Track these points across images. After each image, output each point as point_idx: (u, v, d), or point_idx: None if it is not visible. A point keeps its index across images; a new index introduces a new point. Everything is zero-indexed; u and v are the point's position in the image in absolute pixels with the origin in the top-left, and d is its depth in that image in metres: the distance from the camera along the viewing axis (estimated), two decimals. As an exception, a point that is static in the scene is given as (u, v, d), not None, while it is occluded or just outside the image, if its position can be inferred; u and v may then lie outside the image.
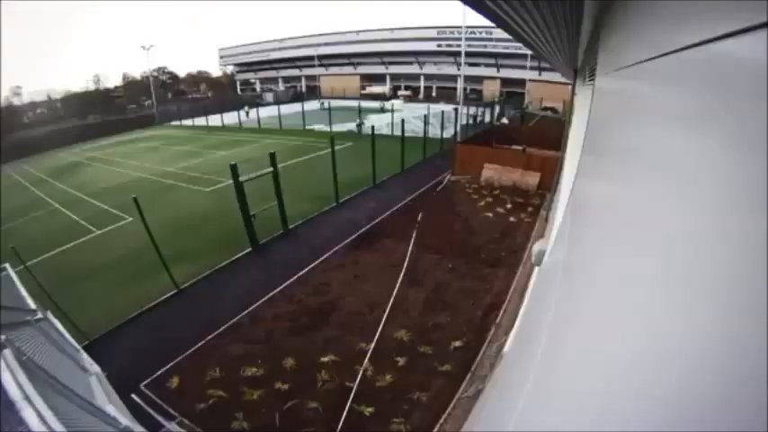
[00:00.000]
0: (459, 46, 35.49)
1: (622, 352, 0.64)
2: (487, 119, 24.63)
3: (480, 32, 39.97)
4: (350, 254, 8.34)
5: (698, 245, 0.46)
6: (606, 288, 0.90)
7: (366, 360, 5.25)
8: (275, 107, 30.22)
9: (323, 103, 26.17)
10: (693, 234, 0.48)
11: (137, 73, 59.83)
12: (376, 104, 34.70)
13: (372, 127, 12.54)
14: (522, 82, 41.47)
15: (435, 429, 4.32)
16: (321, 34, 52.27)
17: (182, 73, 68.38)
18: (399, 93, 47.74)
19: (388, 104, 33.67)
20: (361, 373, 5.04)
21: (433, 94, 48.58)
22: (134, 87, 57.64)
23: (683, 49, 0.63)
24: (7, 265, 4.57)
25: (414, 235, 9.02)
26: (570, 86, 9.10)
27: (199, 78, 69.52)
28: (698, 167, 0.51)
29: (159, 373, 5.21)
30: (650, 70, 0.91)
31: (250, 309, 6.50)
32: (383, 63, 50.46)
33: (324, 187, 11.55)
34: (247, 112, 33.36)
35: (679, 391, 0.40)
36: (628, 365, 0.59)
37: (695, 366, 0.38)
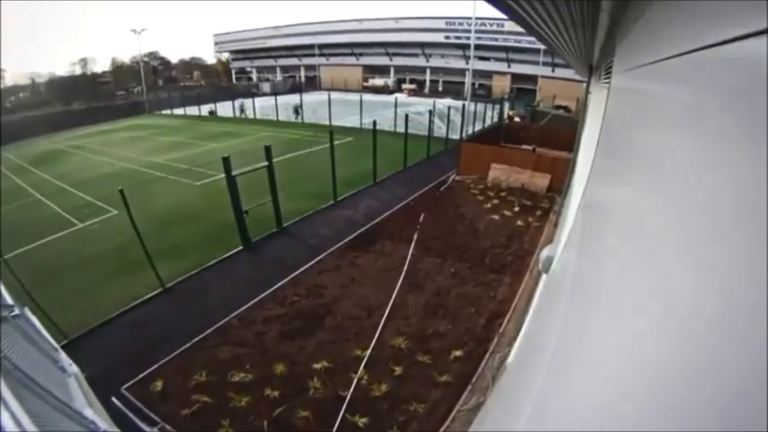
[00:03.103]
0: (468, 38, 35.48)
1: (635, 364, 0.64)
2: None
3: (491, 25, 39.96)
4: (347, 255, 8.34)
5: (715, 253, 0.46)
6: (618, 297, 0.91)
7: (361, 368, 5.26)
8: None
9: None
10: (710, 242, 0.48)
11: (126, 58, 59.91)
12: (378, 98, 34.69)
13: (374, 122, 12.54)
14: (533, 78, 41.50)
15: (432, 443, 4.32)
16: (322, 22, 52.26)
17: (174, 59, 68.60)
18: (404, 86, 47.76)
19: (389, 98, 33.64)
20: (355, 381, 5.05)
21: (440, 88, 48.57)
22: (123, 73, 57.62)
23: (703, 48, 0.63)
24: (-16, 258, 4.57)
25: (415, 237, 9.03)
26: (584, 84, 9.11)
27: (192, 65, 69.54)
28: (716, 173, 0.51)
29: (142, 375, 5.21)
30: (669, 70, 0.91)
31: (240, 310, 6.50)
32: (387, 54, 50.45)
33: (321, 184, 11.55)
34: (242, 109, 31.38)
35: (697, 403, 0.40)
36: (641, 378, 0.59)
37: (713, 378, 0.38)
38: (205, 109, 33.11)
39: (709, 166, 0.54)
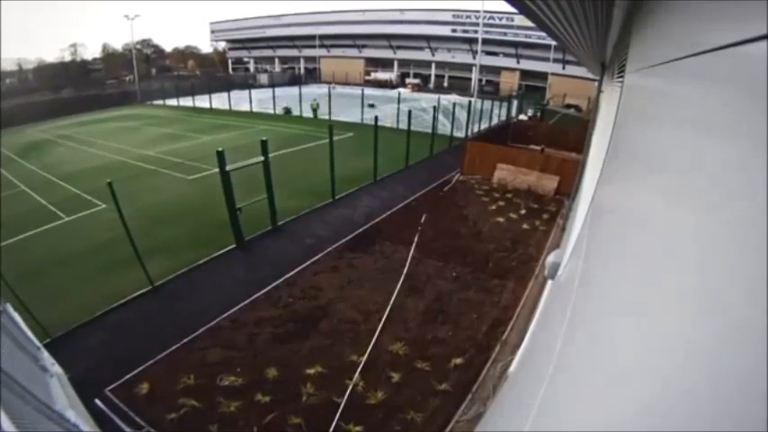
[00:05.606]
0: (476, 32, 35.60)
1: (644, 375, 0.64)
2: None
3: (500, 18, 40.03)
4: (344, 256, 8.34)
5: (731, 259, 0.46)
6: (627, 306, 0.91)
7: (357, 374, 5.26)
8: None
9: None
10: (725, 247, 0.48)
11: (118, 44, 59.91)
12: (380, 93, 34.75)
13: (376, 117, 12.56)
14: (543, 75, 41.54)
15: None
16: (324, 12, 52.29)
17: (168, 47, 68.58)
18: (407, 81, 47.77)
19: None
20: (350, 387, 5.05)
21: (445, 83, 48.59)
22: (114, 60, 57.58)
23: (720, 47, 0.63)
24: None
25: (415, 238, 9.03)
26: (596, 83, 9.12)
27: (187, 54, 69.52)
28: (732, 176, 0.51)
29: (127, 377, 5.21)
30: (684, 70, 0.91)
31: (231, 311, 6.50)
32: (391, 47, 50.46)
33: (319, 181, 11.56)
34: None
35: (710, 415, 0.40)
36: (650, 390, 0.59)
37: (728, 389, 0.38)
38: (199, 100, 33.04)
39: (725, 169, 0.54)
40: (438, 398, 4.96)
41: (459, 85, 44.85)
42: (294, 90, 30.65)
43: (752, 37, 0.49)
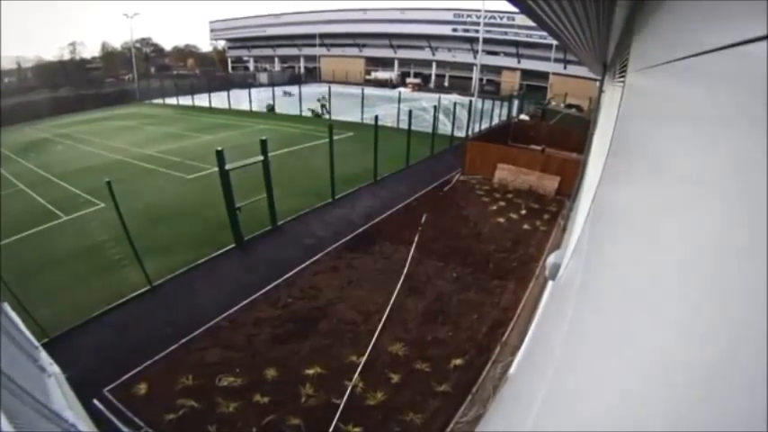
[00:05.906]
0: (476, 32, 35.56)
1: (645, 377, 0.64)
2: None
3: (501, 18, 40.03)
4: (344, 256, 8.34)
5: (730, 262, 0.46)
6: (626, 307, 0.91)
7: (356, 375, 5.26)
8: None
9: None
10: (728, 249, 0.48)
11: (117, 43, 59.94)
12: (381, 92, 34.73)
13: (376, 117, 12.57)
14: (544, 75, 41.53)
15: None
16: (324, 11, 52.30)
17: (167, 46, 68.67)
18: (408, 80, 47.78)
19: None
20: (349, 388, 5.05)
21: (446, 83, 48.58)
22: (114, 59, 57.59)
23: (720, 48, 0.63)
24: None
25: (416, 239, 9.03)
26: (598, 83, 9.12)
27: (186, 53, 69.59)
28: (735, 177, 0.51)
29: (125, 377, 5.21)
30: (685, 70, 0.91)
31: (230, 311, 6.50)
32: (391, 46, 50.46)
33: (319, 181, 11.56)
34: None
35: (710, 414, 0.40)
36: (651, 393, 0.59)
37: (723, 388, 0.38)
38: (198, 99, 33.04)
39: (728, 170, 0.54)
40: (438, 399, 4.96)
41: (460, 85, 44.85)
42: (294, 89, 30.64)
43: (752, 37, 0.49)
